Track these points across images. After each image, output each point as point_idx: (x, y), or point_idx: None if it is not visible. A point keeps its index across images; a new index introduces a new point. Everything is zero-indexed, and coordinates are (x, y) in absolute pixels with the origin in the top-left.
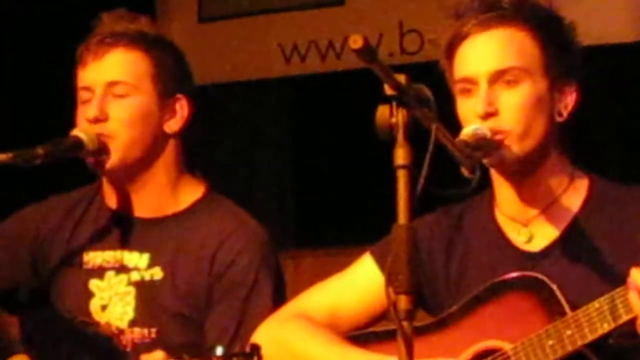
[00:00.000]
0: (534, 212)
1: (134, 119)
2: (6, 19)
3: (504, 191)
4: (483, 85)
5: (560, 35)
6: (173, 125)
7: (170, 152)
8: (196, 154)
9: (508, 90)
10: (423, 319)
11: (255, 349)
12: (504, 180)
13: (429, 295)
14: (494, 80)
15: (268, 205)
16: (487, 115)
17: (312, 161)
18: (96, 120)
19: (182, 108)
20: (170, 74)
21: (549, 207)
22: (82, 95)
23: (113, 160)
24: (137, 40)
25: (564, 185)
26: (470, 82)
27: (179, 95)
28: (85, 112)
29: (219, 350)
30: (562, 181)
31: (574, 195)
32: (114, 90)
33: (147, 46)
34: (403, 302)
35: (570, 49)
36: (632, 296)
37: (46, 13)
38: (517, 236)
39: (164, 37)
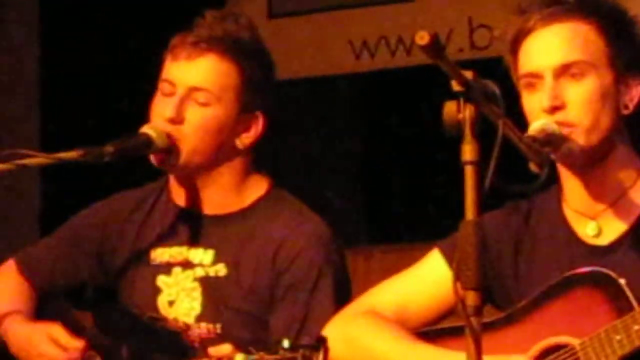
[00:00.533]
0: (602, 205)
1: (208, 128)
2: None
3: (571, 185)
4: (549, 79)
5: (625, 28)
6: (245, 139)
7: (238, 160)
8: (265, 152)
9: (574, 83)
10: (491, 314)
11: (322, 340)
12: (572, 174)
13: (498, 291)
14: (560, 74)
15: (339, 202)
16: (554, 109)
17: (382, 157)
18: (172, 121)
19: (257, 125)
20: (256, 88)
21: (617, 201)
22: (164, 87)
23: (177, 162)
24: (231, 50)
25: (633, 179)
26: (535, 77)
27: (257, 112)
28: (163, 109)
29: (286, 343)
30: (630, 174)
31: None
32: (196, 96)
33: (240, 57)
34: (471, 298)
35: (635, 42)
36: None
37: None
38: (585, 230)
39: (260, 46)
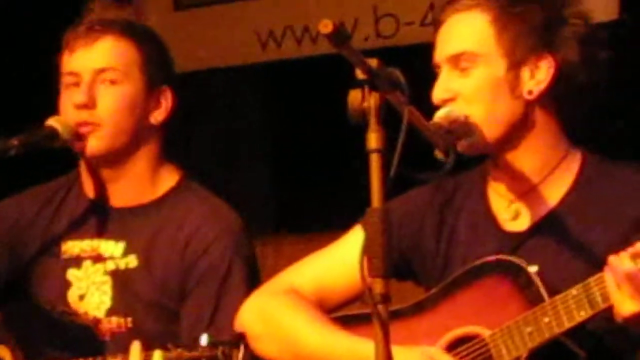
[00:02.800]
0: (523, 188)
1: (122, 107)
2: None
3: (494, 167)
4: (443, 70)
5: (520, 13)
6: (158, 116)
7: (153, 142)
8: (174, 142)
9: (463, 75)
10: (415, 292)
11: (241, 337)
12: (490, 158)
13: (419, 268)
14: (453, 65)
15: (247, 191)
16: (444, 102)
17: (290, 146)
18: (84, 106)
19: (166, 99)
20: (157, 65)
21: (538, 185)
22: (68, 79)
23: (99, 146)
24: (126, 30)
25: (555, 162)
26: (436, 67)
27: (164, 87)
28: (72, 98)
29: (204, 340)
30: (552, 158)
31: (566, 172)
32: (103, 77)
33: (136, 36)
34: (378, 285)
35: (533, 26)
36: (610, 284)
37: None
38: (504, 213)
39: (150, 29)
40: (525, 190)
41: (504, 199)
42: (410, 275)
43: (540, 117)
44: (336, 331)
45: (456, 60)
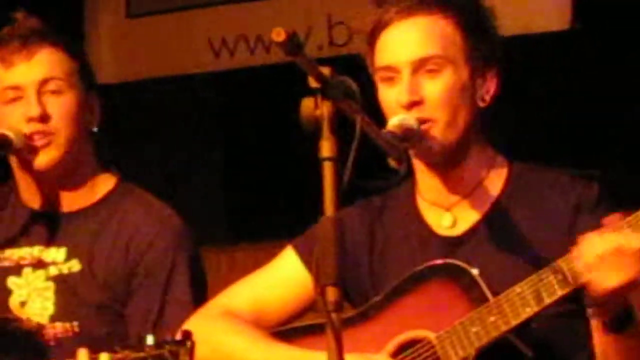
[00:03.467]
0: (456, 197)
1: (72, 115)
2: None
3: (427, 179)
4: (406, 73)
5: (482, 22)
6: (93, 121)
7: (89, 148)
8: (113, 148)
9: (431, 79)
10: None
11: (187, 335)
12: (428, 169)
13: (353, 288)
14: (417, 69)
15: (198, 200)
16: (412, 104)
17: (242, 156)
18: (40, 119)
19: (96, 104)
20: (88, 70)
21: (471, 192)
22: (8, 94)
23: (54, 157)
24: (58, 39)
25: (486, 171)
26: (392, 71)
27: (93, 92)
28: (21, 111)
29: (150, 340)
30: (484, 167)
31: (496, 179)
32: (47, 87)
33: (69, 44)
34: (331, 293)
35: (491, 36)
36: (583, 266)
37: None
38: (440, 222)
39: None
40: (462, 197)
41: (439, 208)
42: (345, 298)
43: (479, 126)
44: (278, 346)
45: (422, 63)
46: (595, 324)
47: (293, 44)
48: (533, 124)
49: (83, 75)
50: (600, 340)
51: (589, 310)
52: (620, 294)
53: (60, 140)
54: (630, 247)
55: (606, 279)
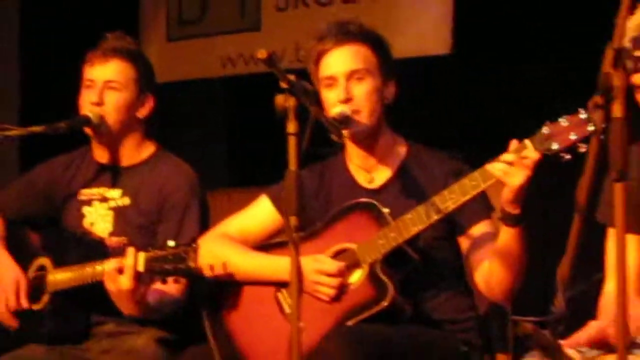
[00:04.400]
0: (374, 161)
1: (120, 107)
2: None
3: (354, 150)
4: (342, 80)
5: (385, 48)
6: (143, 112)
7: (139, 127)
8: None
9: (358, 84)
10: None
11: (194, 240)
12: (355, 143)
13: (307, 220)
14: (349, 77)
15: (204, 150)
16: (346, 100)
17: (244, 116)
18: (96, 104)
19: (149, 102)
20: (146, 80)
21: (384, 159)
22: (87, 84)
23: (107, 129)
24: (127, 55)
25: (392, 145)
26: (332, 79)
27: (148, 94)
28: (89, 97)
29: (171, 243)
30: (390, 142)
31: (400, 151)
32: (110, 85)
33: (134, 60)
34: (293, 220)
35: (390, 57)
36: (499, 172)
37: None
38: (364, 179)
39: (143, 54)
40: (377, 162)
41: (362, 169)
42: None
43: (386, 116)
44: (258, 254)
45: (352, 74)
46: (504, 227)
47: (272, 60)
48: (423, 121)
49: (139, 82)
50: (506, 235)
51: (500, 216)
52: (520, 192)
53: (110, 121)
54: (527, 156)
55: (514, 179)
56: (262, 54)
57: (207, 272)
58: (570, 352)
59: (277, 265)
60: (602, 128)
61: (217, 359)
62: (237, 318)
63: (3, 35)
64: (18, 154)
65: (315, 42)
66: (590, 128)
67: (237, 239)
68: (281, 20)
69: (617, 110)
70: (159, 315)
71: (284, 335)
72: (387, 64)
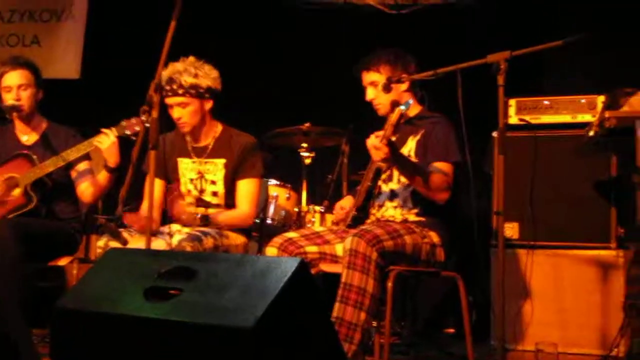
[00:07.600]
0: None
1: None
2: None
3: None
4: (369, 87)
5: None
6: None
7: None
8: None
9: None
10: None
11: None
12: (21, 120)
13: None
14: (369, 85)
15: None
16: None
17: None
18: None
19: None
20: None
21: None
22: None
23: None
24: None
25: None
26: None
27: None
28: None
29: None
30: (212, 125)
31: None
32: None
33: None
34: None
35: (39, 76)
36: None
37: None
38: (22, 138)
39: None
40: (29, 131)
41: (22, 133)
42: None
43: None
44: None
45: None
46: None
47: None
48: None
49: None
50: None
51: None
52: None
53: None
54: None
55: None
56: None
57: None
58: (125, 234)
59: None
60: (144, 123)
61: None
62: None
63: None
64: None
65: None
66: (138, 128)
67: None
68: None
69: (155, 113)
70: None
71: None
72: (38, 80)
